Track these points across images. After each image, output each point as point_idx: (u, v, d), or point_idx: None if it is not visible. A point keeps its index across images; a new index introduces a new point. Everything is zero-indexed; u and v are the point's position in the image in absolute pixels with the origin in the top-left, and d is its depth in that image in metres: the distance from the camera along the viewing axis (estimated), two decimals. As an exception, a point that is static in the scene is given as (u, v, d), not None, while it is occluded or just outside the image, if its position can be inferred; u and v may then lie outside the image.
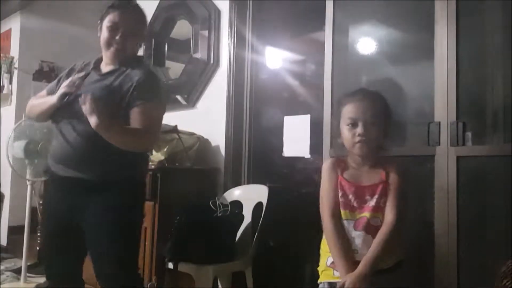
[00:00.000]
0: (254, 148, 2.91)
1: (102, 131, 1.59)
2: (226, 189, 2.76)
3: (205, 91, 3.08)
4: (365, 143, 1.47)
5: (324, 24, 2.27)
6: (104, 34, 1.75)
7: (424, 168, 1.89)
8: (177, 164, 2.75)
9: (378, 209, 1.47)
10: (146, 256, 2.52)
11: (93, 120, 1.56)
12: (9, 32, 4.82)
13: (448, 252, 1.78)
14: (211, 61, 3.02)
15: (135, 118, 1.66)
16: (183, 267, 2.39)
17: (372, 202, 1.47)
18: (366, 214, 1.47)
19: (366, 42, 2.19)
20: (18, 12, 4.68)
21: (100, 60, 1.84)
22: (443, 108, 1.84)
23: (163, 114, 1.80)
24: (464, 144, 1.79)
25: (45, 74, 4.62)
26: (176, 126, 2.78)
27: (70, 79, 1.74)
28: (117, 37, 1.73)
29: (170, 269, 2.46)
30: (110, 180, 1.68)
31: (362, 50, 2.21)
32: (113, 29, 1.73)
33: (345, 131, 1.51)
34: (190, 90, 3.10)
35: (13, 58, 4.67)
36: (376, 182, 1.49)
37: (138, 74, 1.72)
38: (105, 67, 1.80)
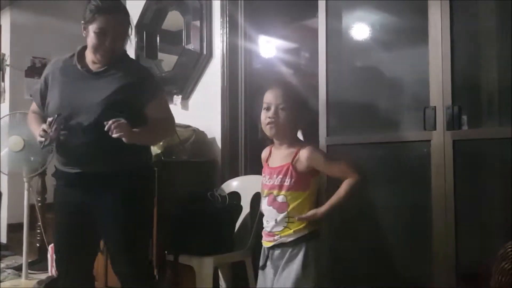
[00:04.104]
0: (250, 138, 2.90)
1: (136, 141, 1.71)
2: (223, 180, 2.76)
3: (199, 82, 3.06)
4: (274, 125, 1.66)
5: (317, 11, 2.25)
6: (92, 39, 1.75)
7: (421, 153, 1.88)
8: (173, 157, 2.75)
9: (282, 188, 1.65)
10: (146, 249, 2.52)
11: (125, 139, 1.66)
12: (-1, 28, 4.77)
13: (445, 236, 1.78)
14: (204, 52, 2.99)
15: (153, 113, 1.82)
16: (184, 259, 2.40)
17: (277, 181, 1.66)
18: (272, 191, 1.67)
19: (360, 27, 2.17)
20: (8, 8, 4.62)
21: (82, 51, 1.85)
22: (438, 92, 1.83)
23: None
24: (460, 128, 1.78)
25: (38, 70, 4.57)
26: (171, 118, 2.76)
27: (42, 128, 1.69)
28: (106, 42, 1.74)
29: (170, 261, 2.47)
30: (122, 169, 1.78)
31: (356, 35, 2.19)
32: (101, 34, 1.73)
33: (261, 115, 1.70)
34: (184, 82, 3.08)
35: (4, 55, 4.62)
36: (283, 164, 1.66)
37: (136, 71, 1.84)
38: (93, 65, 1.82)
